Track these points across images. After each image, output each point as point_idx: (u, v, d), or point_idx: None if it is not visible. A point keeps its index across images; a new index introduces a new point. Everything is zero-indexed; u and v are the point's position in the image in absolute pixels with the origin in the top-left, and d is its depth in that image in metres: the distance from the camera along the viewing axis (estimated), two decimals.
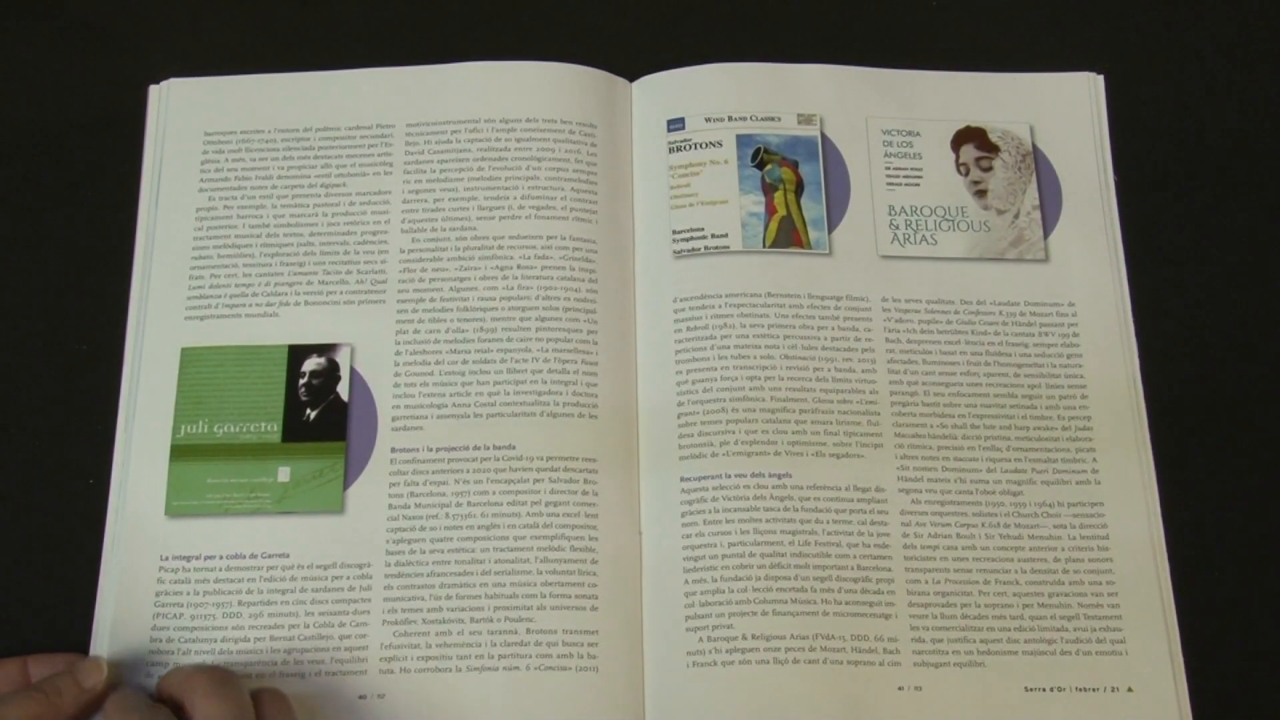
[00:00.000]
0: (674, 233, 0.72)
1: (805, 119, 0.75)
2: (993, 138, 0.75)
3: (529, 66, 0.75)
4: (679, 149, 0.74)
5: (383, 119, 0.75)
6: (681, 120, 0.75)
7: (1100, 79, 0.77)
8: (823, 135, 0.75)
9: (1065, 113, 0.76)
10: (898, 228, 0.73)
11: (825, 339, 0.70)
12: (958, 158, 0.75)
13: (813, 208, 0.73)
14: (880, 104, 0.76)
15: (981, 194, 0.74)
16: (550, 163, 0.73)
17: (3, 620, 0.65)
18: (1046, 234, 0.73)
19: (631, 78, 0.76)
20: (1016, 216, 0.73)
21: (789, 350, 0.70)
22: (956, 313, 0.71)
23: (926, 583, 0.65)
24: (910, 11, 0.79)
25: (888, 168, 0.75)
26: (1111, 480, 0.68)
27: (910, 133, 0.75)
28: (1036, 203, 0.74)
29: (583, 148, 0.74)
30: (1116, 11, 0.79)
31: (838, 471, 0.67)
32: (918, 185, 0.74)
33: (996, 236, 0.73)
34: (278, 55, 0.77)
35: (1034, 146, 0.75)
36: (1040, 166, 0.75)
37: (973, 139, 0.75)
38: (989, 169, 0.75)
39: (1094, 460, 0.68)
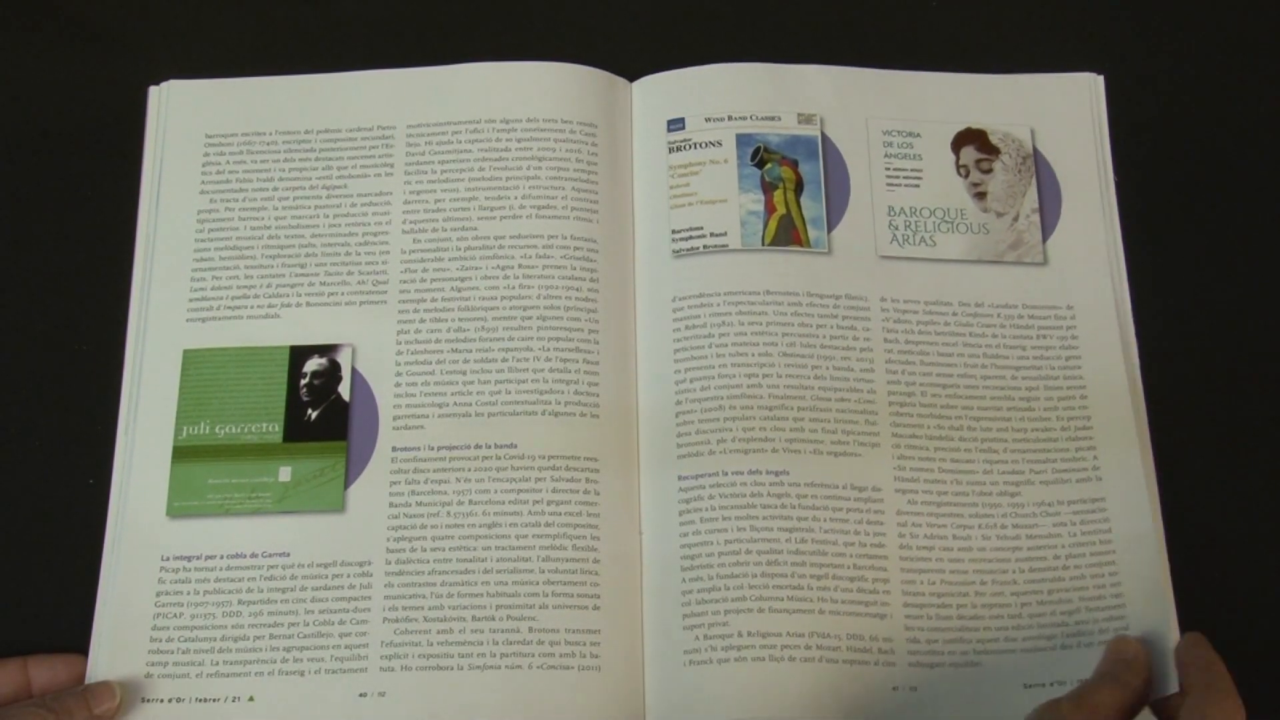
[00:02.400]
0: (673, 232, 0.72)
1: (805, 119, 0.75)
2: (993, 140, 0.75)
3: (529, 67, 0.75)
4: (679, 149, 0.74)
5: (383, 120, 0.75)
6: (681, 120, 0.75)
7: (1100, 79, 0.76)
8: (823, 135, 0.75)
9: (1065, 114, 0.76)
10: (897, 228, 0.73)
11: (824, 338, 0.70)
12: (958, 159, 0.75)
13: (812, 207, 0.73)
14: (880, 104, 0.76)
15: (981, 196, 0.74)
16: (551, 163, 0.73)
17: (3, 620, 0.66)
18: (1045, 237, 0.73)
19: (631, 78, 0.76)
20: (1016, 219, 0.73)
21: (787, 348, 0.69)
22: (955, 314, 0.71)
23: (922, 584, 0.65)
24: (910, 11, 0.79)
25: (888, 168, 0.74)
26: (1112, 477, 0.68)
27: (910, 134, 0.75)
28: (1036, 206, 0.74)
29: (583, 148, 0.74)
30: (1116, 11, 0.79)
31: (835, 470, 0.67)
32: (917, 186, 0.74)
33: (995, 239, 0.73)
34: (278, 57, 0.77)
35: (1034, 149, 0.75)
36: (1040, 169, 0.75)
37: (973, 141, 0.75)
38: (989, 171, 0.74)
39: (1094, 458, 0.68)
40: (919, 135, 0.75)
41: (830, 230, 0.73)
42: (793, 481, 0.67)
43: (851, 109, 0.75)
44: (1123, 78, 0.76)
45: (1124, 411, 0.69)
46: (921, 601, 0.65)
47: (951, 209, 0.74)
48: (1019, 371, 0.70)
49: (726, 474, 0.67)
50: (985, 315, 0.71)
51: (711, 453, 0.67)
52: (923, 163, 0.75)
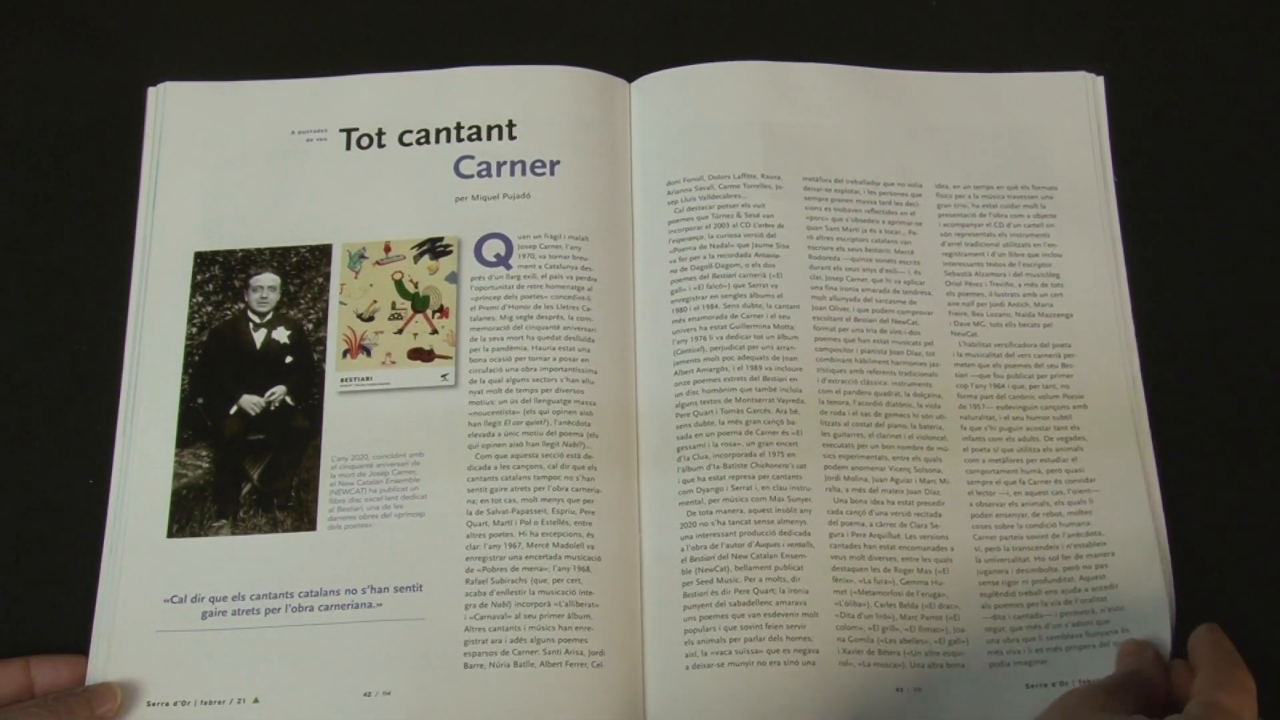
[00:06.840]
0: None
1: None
2: None
3: (527, 70, 0.75)
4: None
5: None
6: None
7: (1100, 79, 0.77)
8: None
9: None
10: None
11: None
12: None
13: None
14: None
15: None
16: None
17: (3, 620, 0.66)
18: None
19: (631, 78, 0.76)
20: None
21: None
22: None
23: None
24: (910, 11, 0.79)
25: None
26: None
27: None
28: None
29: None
30: (1116, 11, 0.79)
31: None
32: None
33: None
34: (275, 60, 0.77)
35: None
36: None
37: None
38: None
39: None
40: None
41: None
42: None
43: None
44: (1123, 78, 0.77)
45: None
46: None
47: None
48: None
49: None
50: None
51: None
52: None
